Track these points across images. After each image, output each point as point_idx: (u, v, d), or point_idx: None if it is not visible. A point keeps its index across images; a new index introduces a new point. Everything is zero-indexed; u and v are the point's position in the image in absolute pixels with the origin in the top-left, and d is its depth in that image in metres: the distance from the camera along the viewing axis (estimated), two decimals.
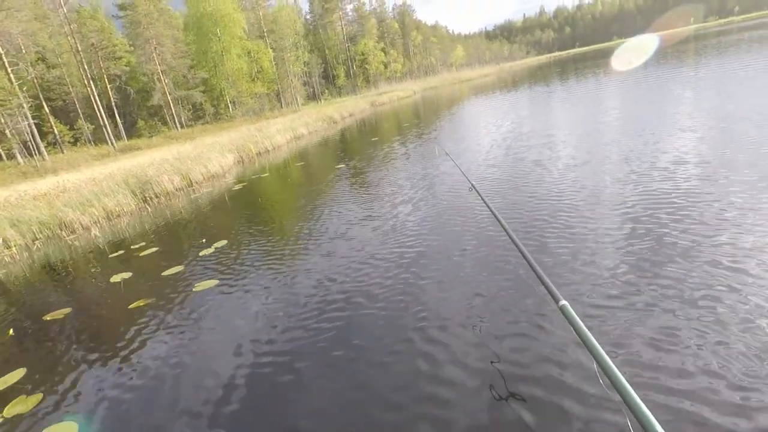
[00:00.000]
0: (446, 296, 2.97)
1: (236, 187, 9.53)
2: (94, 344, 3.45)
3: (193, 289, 4.07)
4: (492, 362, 2.19)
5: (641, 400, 0.91)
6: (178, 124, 35.11)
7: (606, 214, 3.73)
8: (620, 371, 1.00)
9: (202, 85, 37.37)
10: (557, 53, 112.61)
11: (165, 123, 35.55)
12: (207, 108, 38.00)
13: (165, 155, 15.11)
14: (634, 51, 27.44)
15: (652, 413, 0.88)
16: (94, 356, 3.25)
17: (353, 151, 12.30)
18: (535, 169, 5.68)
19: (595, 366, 1.07)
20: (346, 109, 27.09)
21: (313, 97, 50.23)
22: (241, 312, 3.42)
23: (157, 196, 9.62)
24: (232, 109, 37.78)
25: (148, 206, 9.07)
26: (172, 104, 34.71)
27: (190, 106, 37.72)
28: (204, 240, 5.65)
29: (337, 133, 18.38)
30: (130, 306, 3.99)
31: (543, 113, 11.74)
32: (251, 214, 7.33)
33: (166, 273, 4.70)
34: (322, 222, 5.45)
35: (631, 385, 0.96)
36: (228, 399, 2.39)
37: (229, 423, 2.21)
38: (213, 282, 4.15)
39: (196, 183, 10.77)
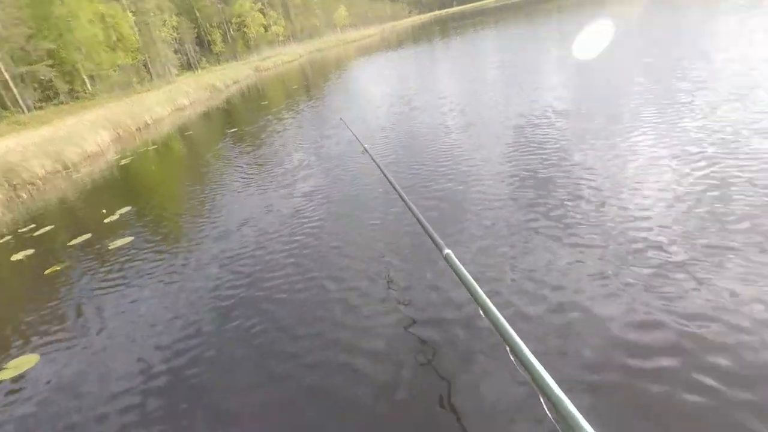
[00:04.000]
0: (345, 255, 3.04)
1: (123, 162, 9.20)
2: (25, 303, 3.69)
3: (109, 248, 4.40)
4: (395, 313, 2.31)
5: (520, 338, 0.96)
6: (24, 106, 29.93)
7: (489, 166, 3.92)
8: (501, 313, 1.06)
9: (49, 59, 31.94)
10: (437, 12, 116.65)
11: (6, 107, 30.00)
12: (60, 86, 32.77)
13: (21, 142, 13.31)
14: None
15: (531, 352, 0.91)
16: (23, 315, 3.54)
17: (243, 117, 12.34)
18: (422, 126, 5.94)
19: (480, 311, 1.12)
20: (229, 76, 25.81)
21: (188, 66, 46.00)
22: (162, 262, 3.89)
23: (30, 183, 8.84)
24: (92, 86, 33.20)
25: (22, 194, 8.36)
26: (12, 83, 29.32)
27: (36, 85, 32.17)
28: (104, 210, 5.74)
29: (223, 101, 17.78)
30: (46, 272, 4.20)
31: (426, 71, 13.00)
32: (149, 182, 7.38)
33: (74, 242, 4.86)
34: (220, 182, 5.93)
35: (510, 324, 1.01)
36: (163, 332, 3.04)
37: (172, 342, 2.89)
38: (129, 239, 4.50)
39: (74, 164, 10.02)
